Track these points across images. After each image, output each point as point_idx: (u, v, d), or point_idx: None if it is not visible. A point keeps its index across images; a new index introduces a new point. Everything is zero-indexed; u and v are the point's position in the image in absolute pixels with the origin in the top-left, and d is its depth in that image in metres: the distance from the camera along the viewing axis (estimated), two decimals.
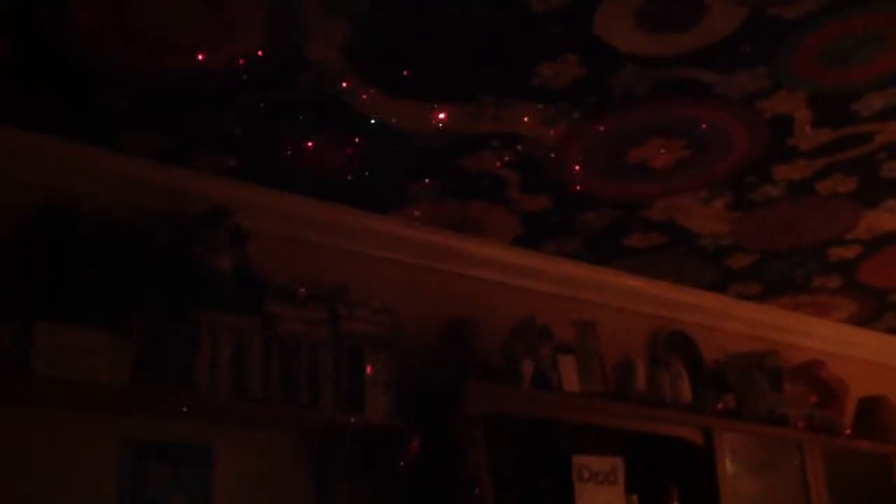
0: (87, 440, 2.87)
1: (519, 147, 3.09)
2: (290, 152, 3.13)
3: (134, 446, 2.92)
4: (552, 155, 3.18)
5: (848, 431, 4.24)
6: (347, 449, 3.20)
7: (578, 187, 3.41)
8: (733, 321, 4.51)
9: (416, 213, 3.57)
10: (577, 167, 3.27)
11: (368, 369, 3.18)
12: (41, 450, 2.79)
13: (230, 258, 3.11)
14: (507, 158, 3.17)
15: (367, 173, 3.27)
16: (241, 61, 2.63)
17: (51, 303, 2.75)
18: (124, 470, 2.91)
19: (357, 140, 3.06)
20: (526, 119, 2.95)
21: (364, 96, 2.82)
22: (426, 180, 3.33)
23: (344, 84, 2.75)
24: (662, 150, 3.16)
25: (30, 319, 2.68)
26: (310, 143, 3.09)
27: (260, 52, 2.59)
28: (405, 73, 2.70)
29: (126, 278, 2.89)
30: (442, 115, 2.90)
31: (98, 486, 2.86)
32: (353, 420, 3.11)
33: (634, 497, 3.53)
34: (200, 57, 2.61)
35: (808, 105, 2.91)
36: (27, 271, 2.80)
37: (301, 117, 2.93)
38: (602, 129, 3.03)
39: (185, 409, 2.93)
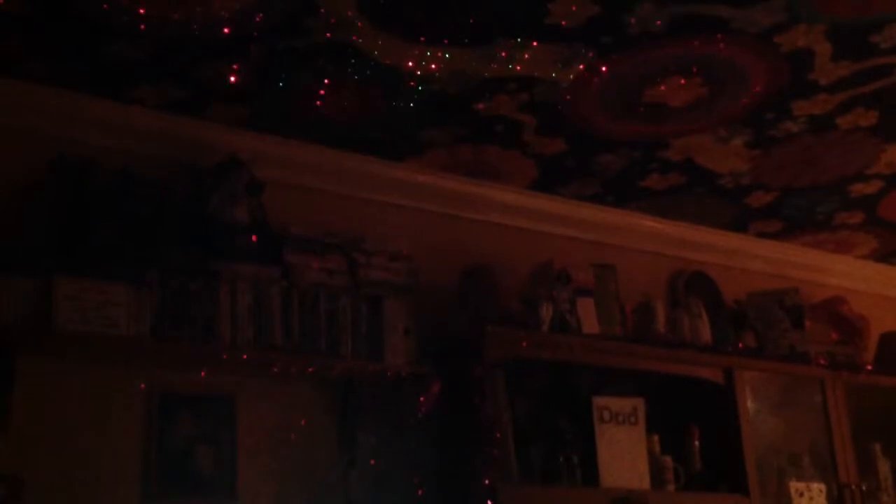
0: (111, 392, 2.91)
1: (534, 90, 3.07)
2: (303, 101, 3.11)
3: (158, 397, 2.96)
4: (567, 97, 3.14)
5: (869, 367, 4.23)
6: (368, 396, 3.24)
7: (595, 129, 3.38)
8: (754, 260, 4.49)
9: (432, 159, 3.55)
10: (594, 108, 3.24)
11: (388, 316, 3.19)
12: (67, 403, 2.83)
13: (247, 209, 3.11)
14: (522, 102, 3.15)
15: (381, 120, 3.26)
16: (252, 10, 2.60)
17: (70, 256, 2.76)
18: (150, 421, 2.94)
19: (370, 87, 3.04)
20: (540, 60, 2.91)
21: (376, 42, 2.79)
22: (441, 126, 3.31)
23: (355, 30, 2.72)
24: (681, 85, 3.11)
25: (50, 273, 2.70)
26: (323, 91, 3.07)
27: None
28: (416, 16, 2.66)
29: (144, 231, 2.90)
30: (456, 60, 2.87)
31: (125, 436, 2.90)
32: (373, 367, 3.14)
33: (656, 437, 3.55)
34: (211, 6, 2.58)
35: (827, 38, 2.86)
36: (46, 225, 2.82)
37: (313, 65, 2.91)
38: (618, 68, 2.99)
39: (207, 362, 2.96)
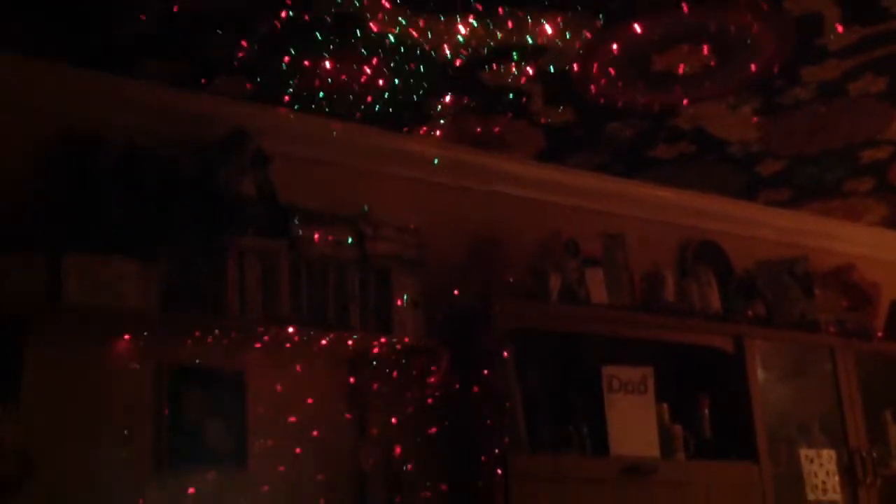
0: (121, 367, 2.91)
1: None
2: (309, 73, 3.09)
3: (168, 372, 2.97)
4: (575, 65, 3.12)
5: (880, 334, 4.22)
6: (378, 368, 3.24)
7: (603, 98, 3.36)
8: (763, 228, 4.47)
9: (439, 130, 3.54)
10: (601, 77, 3.21)
11: (396, 289, 3.19)
12: (77, 378, 2.84)
13: (254, 182, 3.11)
14: (529, 71, 3.12)
15: (387, 92, 3.24)
16: None
17: (78, 232, 2.77)
18: (160, 395, 2.95)
19: (376, 58, 3.02)
20: (547, 29, 2.89)
21: (381, 12, 2.77)
22: (448, 97, 3.29)
23: (361, 0, 2.70)
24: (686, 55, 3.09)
25: (58, 249, 2.70)
26: (328, 64, 3.05)
27: None
28: None
29: (151, 206, 2.90)
30: (463, 30, 2.85)
31: (135, 411, 2.92)
32: (382, 339, 3.14)
33: (665, 406, 3.55)
34: None
35: (836, 3, 2.82)
36: (54, 202, 2.82)
37: (319, 37, 2.89)
38: (626, 36, 2.96)
39: (216, 335, 2.97)
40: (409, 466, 3.23)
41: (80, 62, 2.97)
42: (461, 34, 2.89)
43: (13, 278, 2.65)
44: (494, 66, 3.09)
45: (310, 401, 3.18)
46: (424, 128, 3.51)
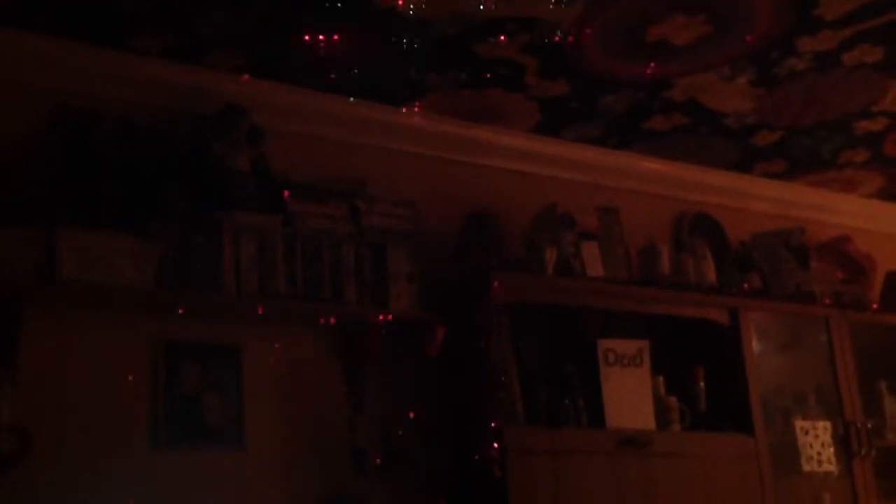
0: (118, 343, 2.91)
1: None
2: (303, 47, 3.07)
3: (164, 348, 2.96)
4: (569, 37, 3.10)
5: (875, 306, 4.23)
6: (374, 342, 3.24)
7: (597, 70, 3.34)
8: (759, 201, 4.47)
9: (434, 103, 3.52)
10: (596, 48, 3.20)
11: (391, 263, 3.19)
12: (74, 354, 2.84)
13: (248, 157, 3.10)
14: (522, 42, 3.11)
15: (382, 65, 3.22)
16: None
17: (73, 207, 2.76)
18: (157, 371, 2.95)
19: (370, 32, 3.00)
20: None
21: None
22: (442, 70, 3.28)
23: None
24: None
25: (53, 224, 2.69)
26: (322, 38, 3.03)
27: None
28: None
29: (147, 181, 2.89)
30: None
31: (132, 387, 2.91)
32: (378, 314, 3.14)
33: (661, 378, 3.56)
34: None
35: None
36: (49, 177, 2.80)
37: (313, 11, 2.87)
38: (620, 6, 2.94)
39: (212, 311, 2.97)
40: (406, 441, 3.23)
41: (77, 36, 2.94)
42: (453, 6, 2.86)
43: (9, 254, 2.64)
44: (488, 38, 3.07)
45: (306, 376, 3.19)
46: (419, 102, 3.50)
